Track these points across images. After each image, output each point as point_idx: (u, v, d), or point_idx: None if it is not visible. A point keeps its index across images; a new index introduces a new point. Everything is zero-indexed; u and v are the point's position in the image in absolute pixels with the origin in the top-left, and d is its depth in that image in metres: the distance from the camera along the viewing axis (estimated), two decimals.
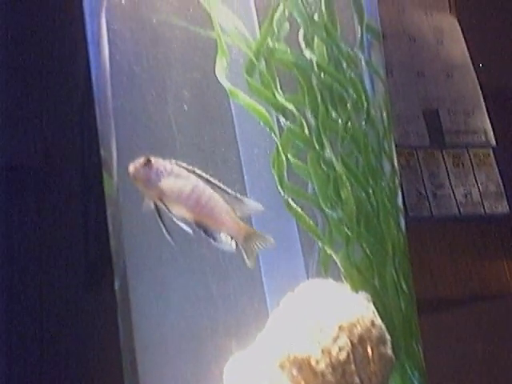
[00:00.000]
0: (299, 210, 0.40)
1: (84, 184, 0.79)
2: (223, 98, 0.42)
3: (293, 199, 0.41)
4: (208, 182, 0.38)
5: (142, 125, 0.46)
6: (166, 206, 0.38)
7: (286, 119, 0.40)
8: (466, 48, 0.75)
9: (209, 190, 0.37)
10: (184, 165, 0.38)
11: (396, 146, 0.54)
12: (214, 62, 0.41)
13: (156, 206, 0.38)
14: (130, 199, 0.48)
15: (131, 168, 0.38)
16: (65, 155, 0.81)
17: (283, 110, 0.41)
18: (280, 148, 0.40)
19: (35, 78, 0.79)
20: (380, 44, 0.46)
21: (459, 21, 0.77)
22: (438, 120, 0.73)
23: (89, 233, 0.77)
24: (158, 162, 0.38)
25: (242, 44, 0.42)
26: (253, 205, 0.38)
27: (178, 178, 0.38)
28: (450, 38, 0.76)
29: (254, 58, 0.41)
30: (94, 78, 0.51)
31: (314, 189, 0.41)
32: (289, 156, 0.41)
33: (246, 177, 0.42)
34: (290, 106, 0.40)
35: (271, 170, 0.41)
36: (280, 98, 0.41)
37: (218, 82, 0.41)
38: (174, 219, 0.38)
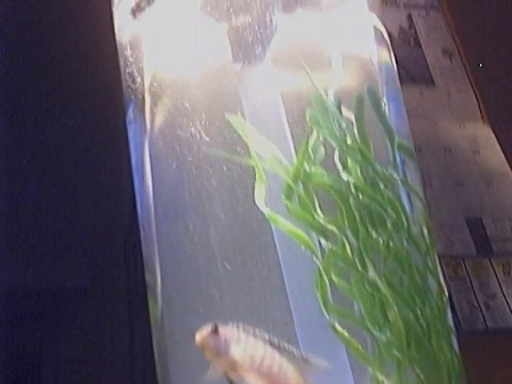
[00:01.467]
0: (346, 333, 0.39)
1: (130, 308, 0.79)
2: (264, 223, 0.43)
3: (339, 322, 0.40)
4: (272, 343, 0.37)
5: (185, 251, 0.47)
6: (240, 376, 0.36)
7: (327, 241, 0.41)
8: (503, 156, 0.76)
9: (277, 355, 0.37)
10: (245, 327, 0.38)
11: (442, 257, 0.53)
12: (253, 189, 0.43)
13: (228, 377, 0.37)
14: (176, 325, 0.48)
15: (199, 338, 0.37)
16: (111, 278, 0.82)
17: (324, 232, 0.41)
18: (322, 270, 0.40)
19: (82, 202, 0.83)
20: (414, 162, 0.47)
21: (493, 130, 0.78)
22: (482, 228, 0.72)
23: (135, 359, 0.76)
24: (225, 329, 0.37)
25: (279, 170, 0.43)
26: (317, 362, 0.37)
27: (247, 345, 0.37)
28: (486, 147, 0.77)
29: (291, 183, 0.42)
30: (138, 204, 0.53)
31: (360, 310, 0.40)
32: (333, 276, 0.41)
33: (290, 301, 0.42)
34: (331, 228, 0.41)
35: (315, 292, 0.41)
36: (320, 220, 0.41)
37: (258, 208, 0.42)
38: None
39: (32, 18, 0.70)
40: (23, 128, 0.72)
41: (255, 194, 0.42)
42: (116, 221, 0.82)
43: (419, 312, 0.40)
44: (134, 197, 0.54)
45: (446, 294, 0.45)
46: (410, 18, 0.90)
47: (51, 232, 0.80)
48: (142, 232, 0.53)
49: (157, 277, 0.50)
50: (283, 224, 0.41)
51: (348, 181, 0.41)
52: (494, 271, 0.70)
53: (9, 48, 0.68)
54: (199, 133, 0.47)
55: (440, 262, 0.49)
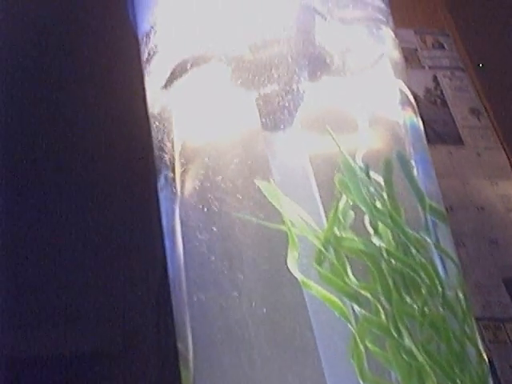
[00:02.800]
0: None
1: (162, 377, 0.78)
2: (296, 289, 0.42)
3: None
4: None
5: (217, 318, 0.47)
6: None
7: (360, 307, 0.40)
8: None
9: None
10: None
11: (481, 320, 0.51)
12: (284, 254, 0.42)
13: None
14: None
15: None
16: (142, 345, 0.81)
17: (356, 298, 0.40)
18: (357, 338, 0.39)
19: (113, 267, 0.83)
20: (446, 224, 0.47)
21: None
22: None
23: None
24: None
25: (309, 235, 0.43)
26: None
27: None
28: None
29: (322, 248, 0.42)
30: (169, 270, 0.54)
31: (397, 379, 0.39)
32: (368, 344, 0.40)
33: (325, 370, 0.41)
34: (363, 294, 0.40)
35: (350, 360, 0.40)
36: (352, 285, 0.41)
37: (291, 273, 0.42)
38: None
39: (62, 90, 0.72)
40: (56, 195, 0.73)
41: (288, 259, 0.42)
42: (148, 287, 0.82)
43: (459, 381, 0.39)
44: (165, 262, 0.54)
45: (487, 360, 0.44)
46: (435, 78, 0.91)
47: (81, 295, 0.80)
48: (173, 299, 0.53)
49: (188, 346, 0.49)
50: (317, 290, 0.41)
51: (379, 245, 0.41)
52: None
53: (38, 122, 0.71)
54: (229, 198, 0.47)
55: (478, 325, 0.47)
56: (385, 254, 0.41)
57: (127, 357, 0.80)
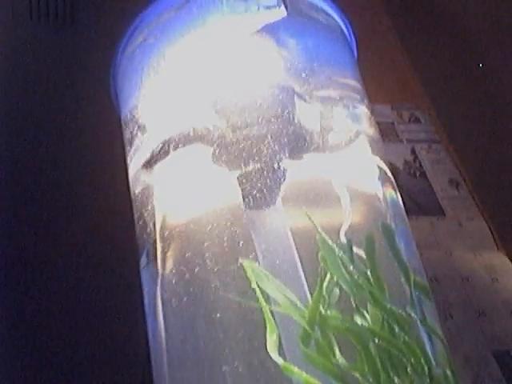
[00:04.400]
0: None
1: None
2: (278, 371, 0.41)
3: None
4: None
5: None
6: None
7: None
8: None
9: None
10: None
11: None
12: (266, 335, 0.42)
13: None
14: None
15: None
16: None
17: (343, 379, 0.39)
18: None
19: (95, 347, 0.81)
20: (430, 300, 0.46)
21: (510, 257, 0.77)
22: (511, 361, 0.69)
23: None
24: None
25: (294, 313, 0.43)
26: None
27: None
28: (504, 274, 0.76)
29: (307, 327, 0.42)
30: (151, 348, 0.52)
31: None
32: None
33: None
34: (351, 375, 0.39)
35: None
36: (339, 366, 0.40)
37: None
38: None
39: (45, 174, 0.73)
40: (36, 278, 0.72)
41: (267, 343, 0.41)
42: (129, 366, 0.80)
43: None
44: (147, 341, 0.53)
45: None
46: (413, 151, 0.93)
47: (61, 377, 0.77)
48: (154, 378, 0.51)
49: None
50: (299, 374, 0.40)
51: (364, 324, 0.41)
52: None
53: (21, 208, 0.70)
54: (212, 277, 0.47)
55: None
56: (371, 333, 0.40)
57: None
